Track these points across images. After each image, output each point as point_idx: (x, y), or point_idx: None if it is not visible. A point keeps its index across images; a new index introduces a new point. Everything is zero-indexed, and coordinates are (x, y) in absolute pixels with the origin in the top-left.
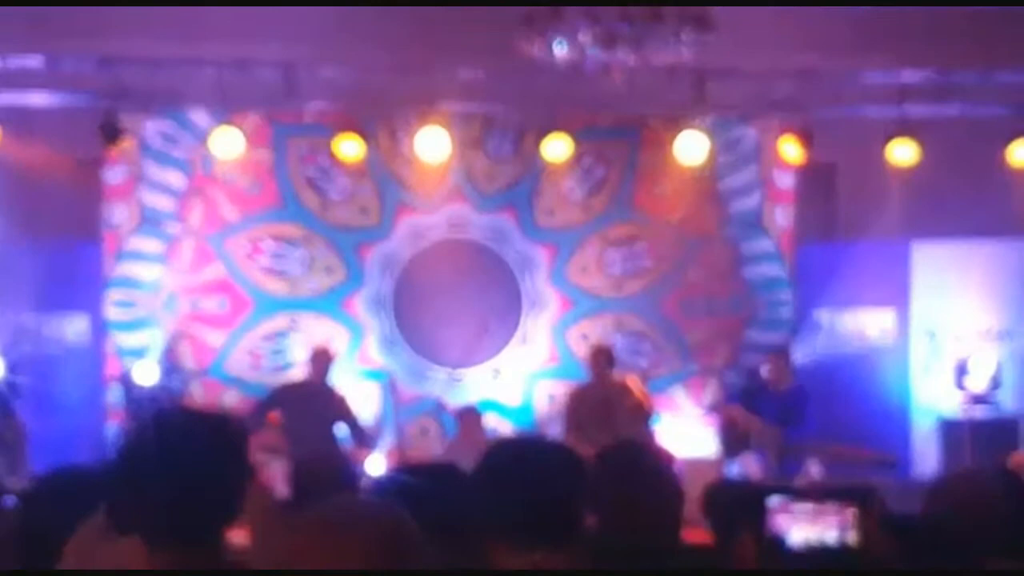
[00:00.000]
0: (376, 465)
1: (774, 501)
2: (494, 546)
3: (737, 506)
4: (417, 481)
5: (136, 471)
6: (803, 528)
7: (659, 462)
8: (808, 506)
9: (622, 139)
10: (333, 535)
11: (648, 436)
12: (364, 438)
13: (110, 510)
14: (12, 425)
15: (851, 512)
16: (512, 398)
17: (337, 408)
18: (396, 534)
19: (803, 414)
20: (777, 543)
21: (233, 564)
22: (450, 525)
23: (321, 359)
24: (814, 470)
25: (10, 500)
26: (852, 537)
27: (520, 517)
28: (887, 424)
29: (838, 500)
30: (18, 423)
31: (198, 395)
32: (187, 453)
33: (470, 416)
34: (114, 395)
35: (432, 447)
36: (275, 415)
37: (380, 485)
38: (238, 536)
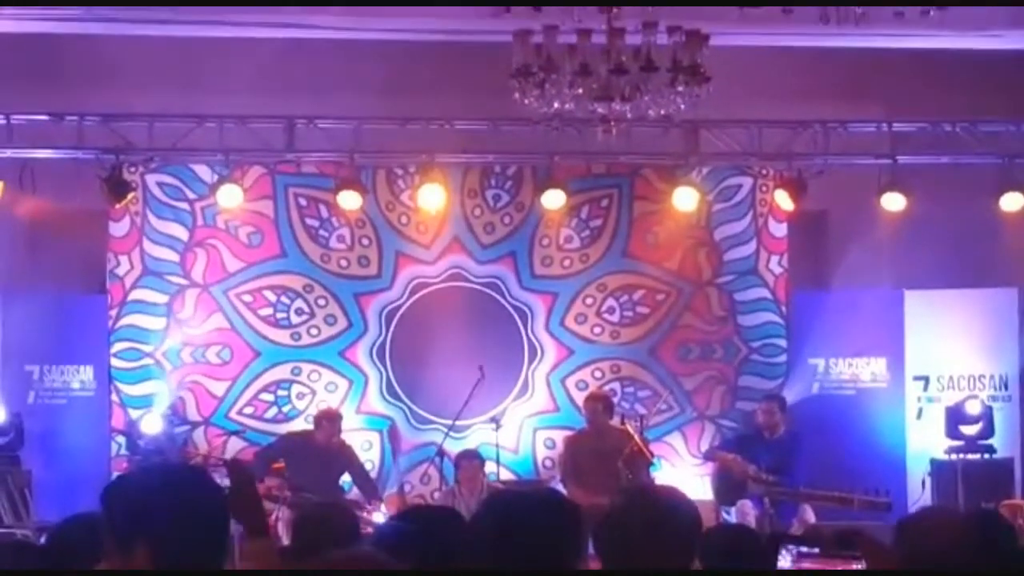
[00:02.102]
0: (380, 515)
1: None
2: None
3: (737, 551)
4: (417, 528)
5: (127, 521)
6: None
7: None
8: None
9: (617, 188)
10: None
11: (650, 483)
12: (370, 489)
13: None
14: (18, 473)
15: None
16: (512, 445)
17: (344, 460)
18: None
19: (797, 460)
20: None
21: None
22: (449, 571)
23: (328, 423)
24: (809, 516)
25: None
26: None
27: (517, 565)
28: (881, 468)
29: (845, 550)
30: (23, 471)
31: (201, 444)
32: (177, 502)
33: (471, 462)
34: (119, 444)
35: (433, 494)
36: (279, 464)
37: (381, 533)
38: None
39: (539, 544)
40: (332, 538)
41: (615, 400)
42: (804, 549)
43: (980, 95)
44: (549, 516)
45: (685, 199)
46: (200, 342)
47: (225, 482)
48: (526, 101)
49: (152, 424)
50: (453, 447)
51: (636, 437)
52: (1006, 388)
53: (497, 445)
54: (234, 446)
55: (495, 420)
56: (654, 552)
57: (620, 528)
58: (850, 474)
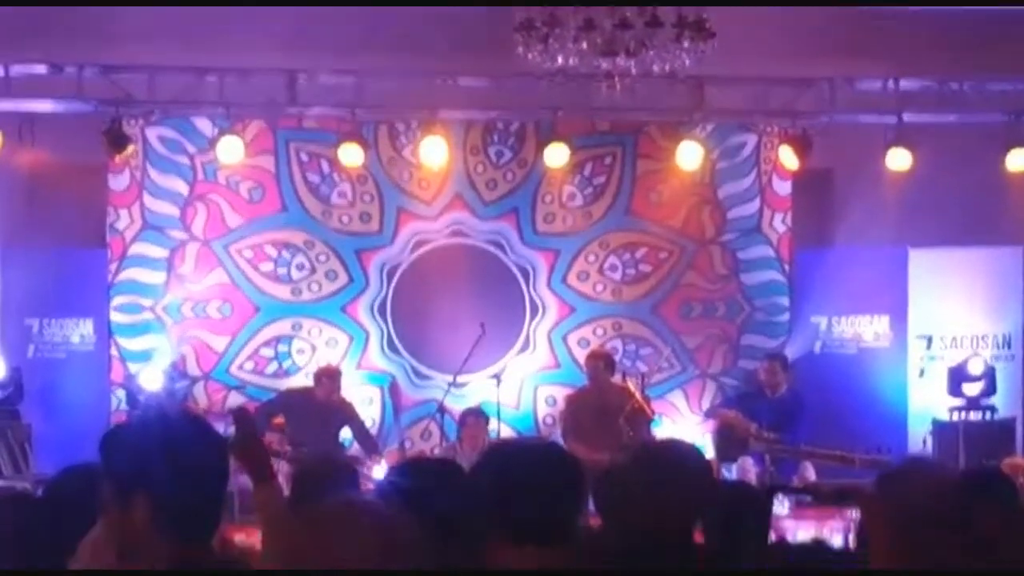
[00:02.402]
0: (379, 470)
1: (780, 505)
2: (491, 544)
3: (738, 507)
4: (416, 480)
5: (127, 467)
6: (807, 531)
7: (692, 461)
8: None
9: (620, 146)
10: (330, 533)
11: (653, 439)
12: (370, 444)
13: None
14: (17, 426)
15: (854, 514)
16: (512, 402)
17: (344, 415)
18: (391, 532)
19: (799, 418)
20: (781, 544)
21: (227, 562)
22: (449, 523)
23: (328, 380)
24: (810, 474)
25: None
26: (855, 539)
27: (517, 516)
28: (883, 428)
29: (843, 502)
30: (23, 424)
31: (201, 399)
32: (175, 452)
33: (474, 419)
34: (118, 399)
35: (433, 450)
36: (279, 419)
37: (380, 486)
38: (252, 537)
39: (538, 496)
40: (331, 490)
41: (616, 358)
42: (799, 498)
43: (987, 53)
44: (549, 468)
45: (689, 156)
46: (200, 297)
47: (229, 431)
48: (529, 56)
49: (152, 379)
50: (454, 403)
51: (637, 395)
52: (1009, 347)
53: (498, 402)
54: (234, 401)
55: (496, 377)
56: (654, 509)
57: (620, 485)
58: (852, 433)
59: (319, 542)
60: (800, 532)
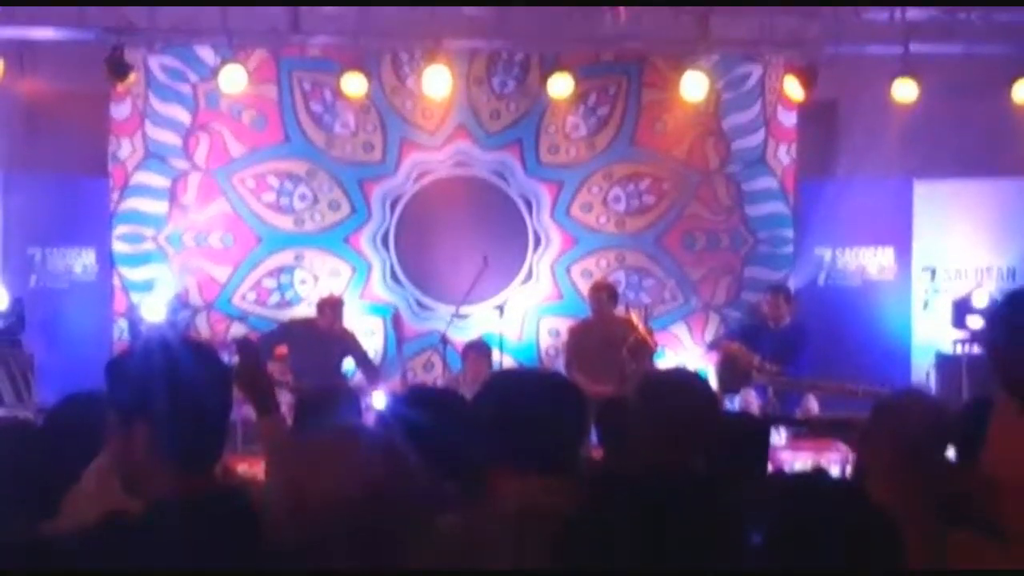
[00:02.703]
0: (381, 400)
1: (777, 436)
2: (493, 473)
3: (739, 438)
4: (418, 409)
5: (130, 395)
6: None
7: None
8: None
9: (625, 76)
10: (332, 460)
11: (657, 370)
12: (373, 374)
13: None
14: (19, 355)
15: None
16: (515, 334)
17: (346, 345)
18: (394, 460)
19: (802, 351)
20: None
21: (234, 490)
22: (451, 452)
23: (331, 310)
24: (812, 405)
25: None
26: (852, 470)
27: (519, 444)
28: (886, 360)
29: (840, 434)
30: (25, 354)
31: (204, 329)
32: (177, 378)
33: (477, 350)
34: (121, 329)
35: (436, 381)
36: (281, 349)
37: (382, 415)
38: (255, 467)
39: (541, 425)
40: (333, 419)
41: (620, 289)
42: (796, 430)
43: None
44: (552, 397)
45: (694, 87)
46: (202, 227)
47: (232, 361)
48: None
49: (154, 309)
50: (456, 335)
51: (640, 326)
52: (1013, 279)
53: (501, 333)
54: (237, 332)
55: (499, 308)
56: (657, 439)
57: (623, 415)
58: (855, 365)
59: (322, 470)
60: (797, 463)
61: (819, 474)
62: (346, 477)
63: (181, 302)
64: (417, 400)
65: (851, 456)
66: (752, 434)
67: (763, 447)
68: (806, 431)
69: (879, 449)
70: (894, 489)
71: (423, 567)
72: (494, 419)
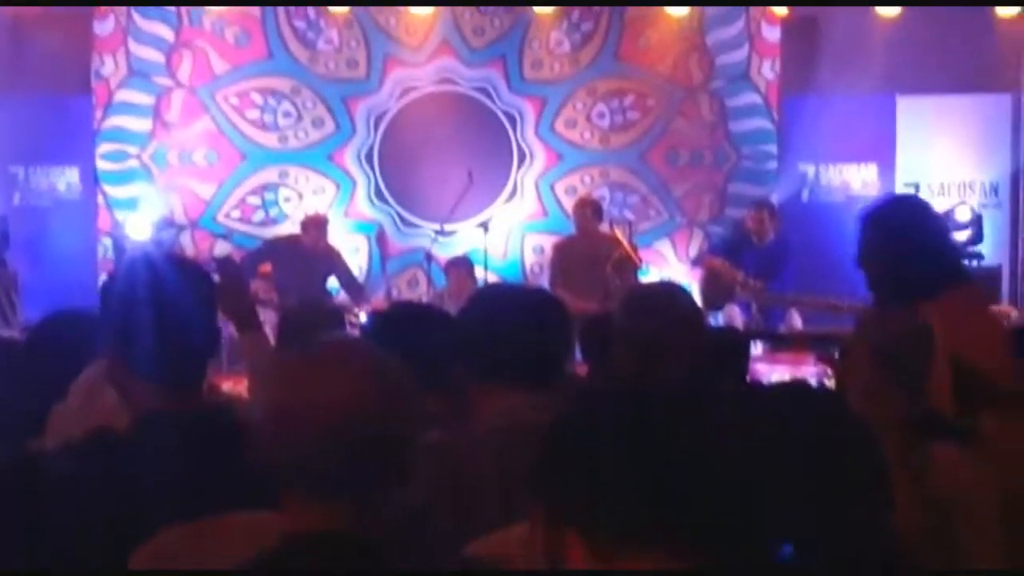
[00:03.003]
0: (366, 317)
1: (756, 348)
2: (477, 388)
3: (720, 351)
4: (402, 324)
5: (121, 313)
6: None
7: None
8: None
9: None
10: (322, 371)
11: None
12: (357, 291)
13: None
14: (4, 275)
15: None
16: (500, 251)
17: (330, 262)
18: (386, 372)
19: (786, 266)
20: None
21: (219, 407)
22: (434, 368)
23: (315, 227)
24: (796, 321)
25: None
26: (830, 383)
27: (503, 360)
28: None
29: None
30: (9, 272)
31: (188, 247)
32: (165, 295)
33: (461, 267)
34: (105, 247)
35: (421, 298)
36: (266, 267)
37: (363, 330)
38: (239, 386)
39: (525, 339)
40: (316, 332)
41: (604, 206)
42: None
43: None
44: (537, 311)
45: (677, 2)
46: (187, 144)
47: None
48: None
49: (139, 228)
50: (441, 252)
51: (625, 243)
52: (996, 195)
53: (485, 250)
54: (221, 250)
55: (483, 225)
56: (638, 353)
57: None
58: (839, 280)
59: (311, 381)
60: (774, 375)
61: (800, 385)
62: (339, 388)
63: (165, 220)
64: (401, 316)
65: (829, 370)
66: (733, 347)
67: (743, 360)
68: (784, 345)
69: (859, 362)
70: (873, 401)
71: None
72: (478, 335)
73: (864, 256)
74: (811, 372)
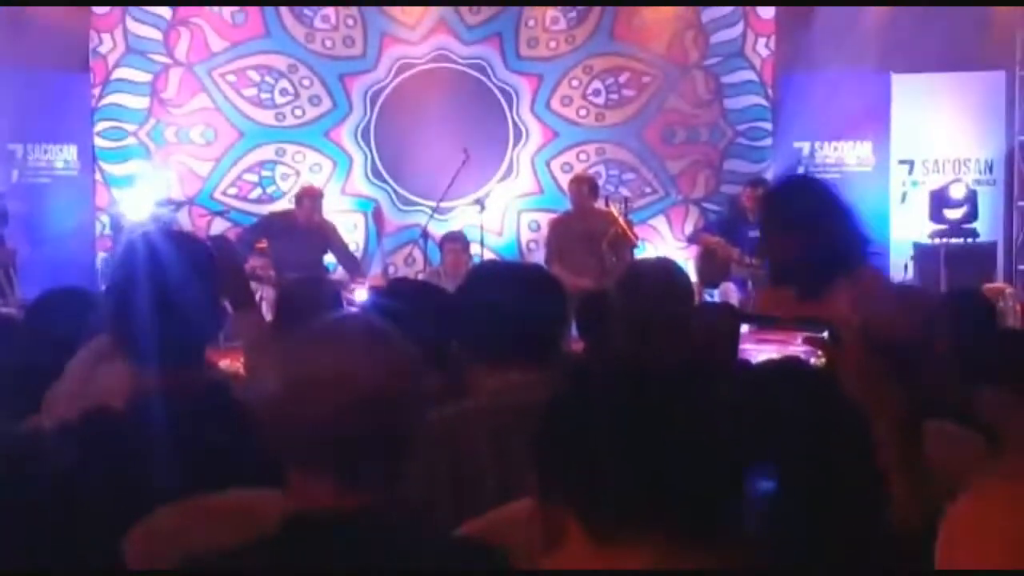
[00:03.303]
0: (362, 293)
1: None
2: (472, 365)
3: (712, 329)
4: (399, 301)
5: (121, 292)
6: (770, 354)
7: (678, 280)
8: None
9: None
10: (329, 345)
11: (636, 262)
12: (353, 266)
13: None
14: (2, 252)
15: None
16: (496, 228)
17: (326, 237)
18: (392, 344)
19: None
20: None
21: (217, 384)
22: (431, 345)
23: (309, 200)
24: None
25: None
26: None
27: (500, 337)
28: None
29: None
30: (7, 250)
31: (186, 224)
32: (165, 274)
33: (456, 243)
34: (103, 224)
35: (418, 275)
36: (262, 243)
37: (363, 307)
38: (236, 363)
39: (522, 315)
40: (315, 309)
41: (600, 183)
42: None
43: None
44: (532, 289)
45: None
46: (184, 122)
47: None
48: None
49: (136, 205)
50: (437, 229)
51: (621, 220)
52: (991, 172)
53: (481, 227)
54: (218, 227)
55: (480, 202)
56: (636, 332)
57: (604, 306)
58: None
59: (317, 356)
60: (761, 355)
61: (791, 363)
62: (343, 367)
63: (165, 199)
64: (398, 292)
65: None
66: (725, 325)
67: (734, 339)
68: (770, 326)
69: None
70: (866, 381)
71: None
72: (474, 312)
73: (767, 241)
74: (800, 351)
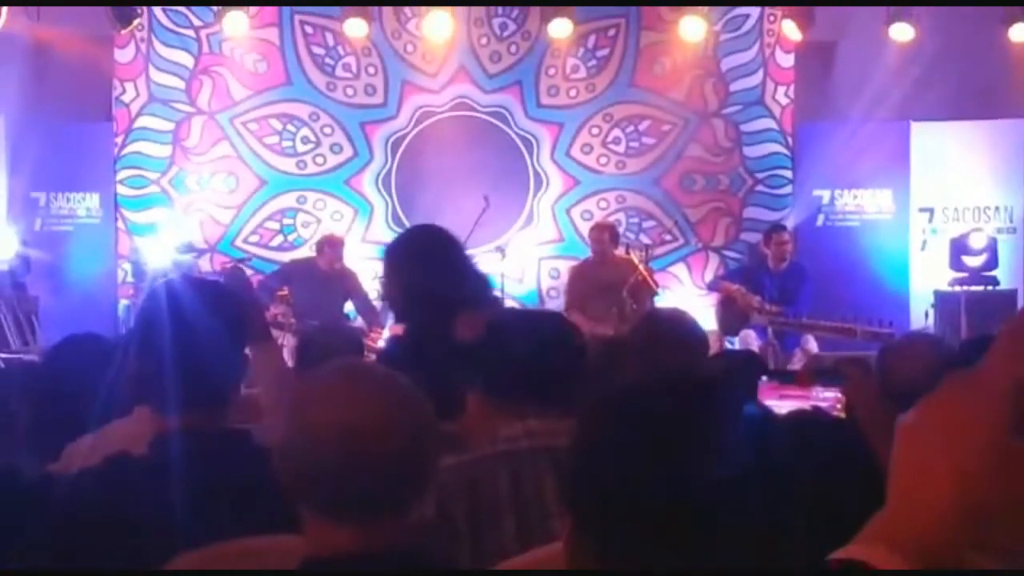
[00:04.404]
0: (382, 342)
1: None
2: (491, 411)
3: (732, 374)
4: (416, 349)
5: (145, 338)
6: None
7: (693, 330)
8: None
9: (624, 17)
10: (341, 391)
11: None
12: (373, 315)
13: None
14: (24, 299)
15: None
16: (517, 275)
17: (347, 285)
18: (405, 392)
19: (801, 291)
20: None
21: (240, 429)
22: (448, 391)
23: (330, 248)
24: (811, 345)
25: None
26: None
27: (517, 385)
28: (884, 300)
29: (829, 382)
30: (30, 297)
31: (207, 272)
32: (187, 321)
33: None
34: (125, 272)
35: None
36: (283, 291)
37: (382, 354)
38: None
39: (541, 362)
40: (335, 356)
41: (620, 230)
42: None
43: None
44: (551, 337)
45: (692, 29)
46: (206, 170)
47: None
48: None
49: (158, 253)
50: None
51: (641, 267)
52: (1011, 220)
53: (502, 275)
54: None
55: (500, 250)
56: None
57: (617, 354)
58: (854, 305)
59: (331, 402)
60: (783, 409)
61: (814, 412)
62: (355, 414)
63: (185, 244)
64: (411, 339)
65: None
66: (746, 371)
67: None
68: (788, 381)
69: (871, 390)
70: (884, 432)
71: (429, 508)
72: (494, 359)
73: (385, 285)
74: (821, 402)
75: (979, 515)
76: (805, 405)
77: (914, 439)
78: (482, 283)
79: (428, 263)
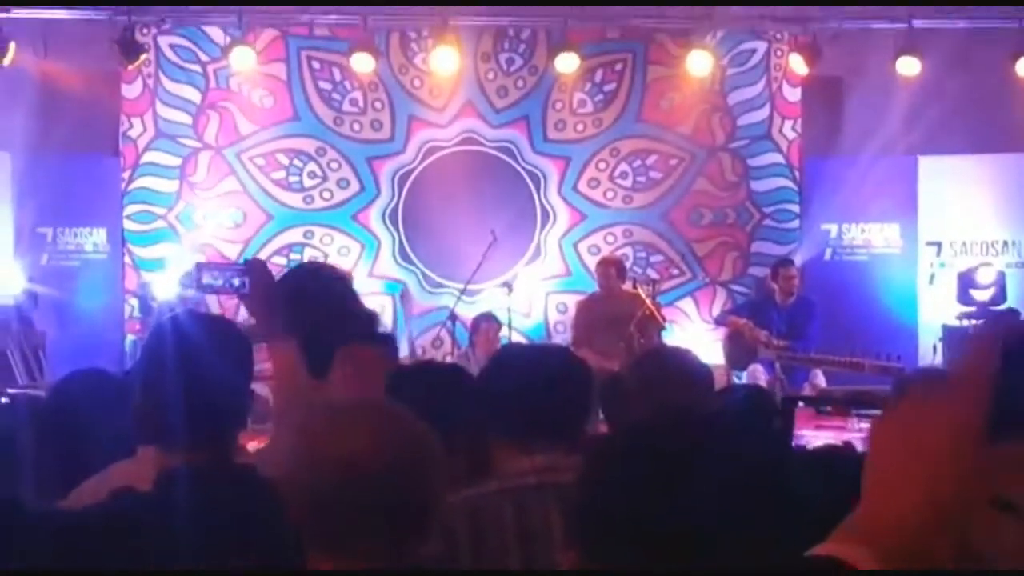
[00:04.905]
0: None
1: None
2: (497, 447)
3: (755, 407)
4: (424, 384)
5: (150, 375)
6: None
7: (697, 367)
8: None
9: (631, 52)
10: (347, 428)
11: (658, 346)
12: None
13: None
14: (31, 334)
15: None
16: (524, 310)
17: None
18: (410, 429)
19: (809, 325)
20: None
21: (245, 467)
22: (456, 427)
23: None
24: (820, 380)
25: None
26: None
27: (524, 420)
28: (893, 334)
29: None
30: (37, 332)
31: (214, 307)
32: (193, 357)
33: (488, 325)
34: (132, 307)
35: (446, 357)
36: None
37: (387, 389)
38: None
39: (547, 398)
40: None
41: (627, 265)
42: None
43: None
44: (558, 371)
45: (699, 64)
46: (213, 205)
47: (244, 280)
48: None
49: (165, 287)
50: (465, 311)
51: (648, 302)
52: (1019, 254)
53: (509, 309)
54: (246, 313)
55: (507, 284)
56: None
57: (622, 390)
58: (862, 339)
59: (336, 439)
60: (818, 441)
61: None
62: (360, 451)
63: (191, 279)
64: (423, 375)
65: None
66: (771, 406)
67: (788, 422)
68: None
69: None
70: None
71: (435, 543)
72: (500, 394)
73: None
74: (857, 434)
75: (951, 514)
76: (839, 439)
77: (888, 439)
78: (365, 321)
79: (305, 302)
